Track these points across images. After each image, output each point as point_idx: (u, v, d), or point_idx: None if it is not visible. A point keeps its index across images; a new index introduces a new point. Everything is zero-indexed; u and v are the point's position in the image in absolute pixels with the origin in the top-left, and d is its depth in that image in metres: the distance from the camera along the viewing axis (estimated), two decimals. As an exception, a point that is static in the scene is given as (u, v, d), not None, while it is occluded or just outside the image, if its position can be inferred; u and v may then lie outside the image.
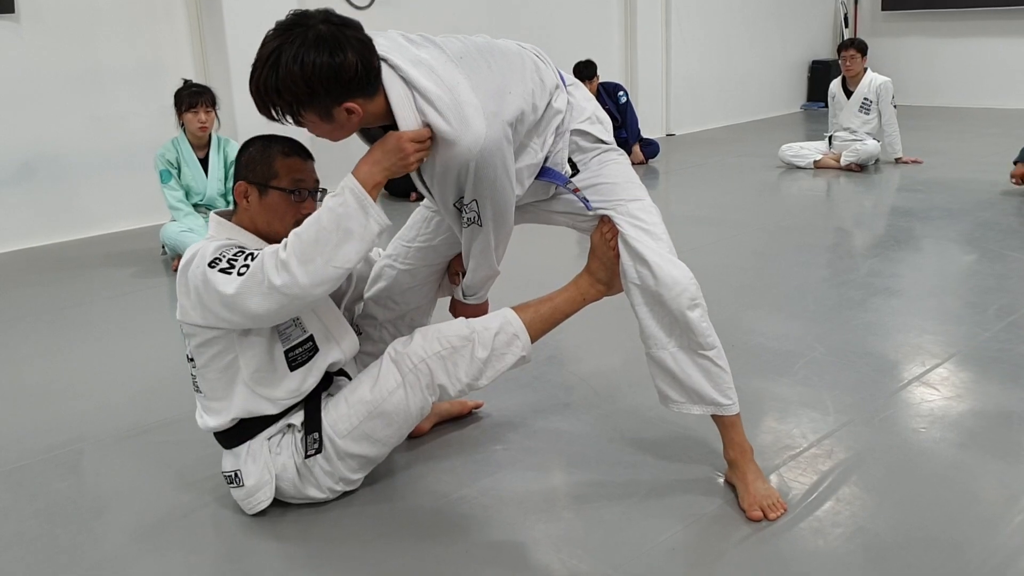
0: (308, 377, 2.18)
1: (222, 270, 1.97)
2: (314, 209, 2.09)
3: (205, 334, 2.06)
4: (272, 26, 1.91)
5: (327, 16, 1.89)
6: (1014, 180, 5.82)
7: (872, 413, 2.72)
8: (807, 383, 2.95)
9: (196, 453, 2.60)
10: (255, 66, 1.89)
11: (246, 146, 2.21)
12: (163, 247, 4.84)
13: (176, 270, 4.59)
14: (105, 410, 2.97)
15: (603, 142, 2.29)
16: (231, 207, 4.65)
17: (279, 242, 2.02)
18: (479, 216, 2.11)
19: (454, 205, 2.12)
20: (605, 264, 2.27)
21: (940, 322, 3.53)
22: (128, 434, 2.77)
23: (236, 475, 2.19)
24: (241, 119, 5.76)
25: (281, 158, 2.15)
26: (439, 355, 2.15)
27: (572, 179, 2.24)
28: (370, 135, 2.12)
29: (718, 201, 6.13)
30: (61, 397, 3.11)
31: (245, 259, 1.98)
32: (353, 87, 1.89)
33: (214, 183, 4.73)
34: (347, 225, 1.94)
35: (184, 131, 4.70)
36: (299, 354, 2.15)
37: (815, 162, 7.05)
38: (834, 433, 2.59)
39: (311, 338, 2.18)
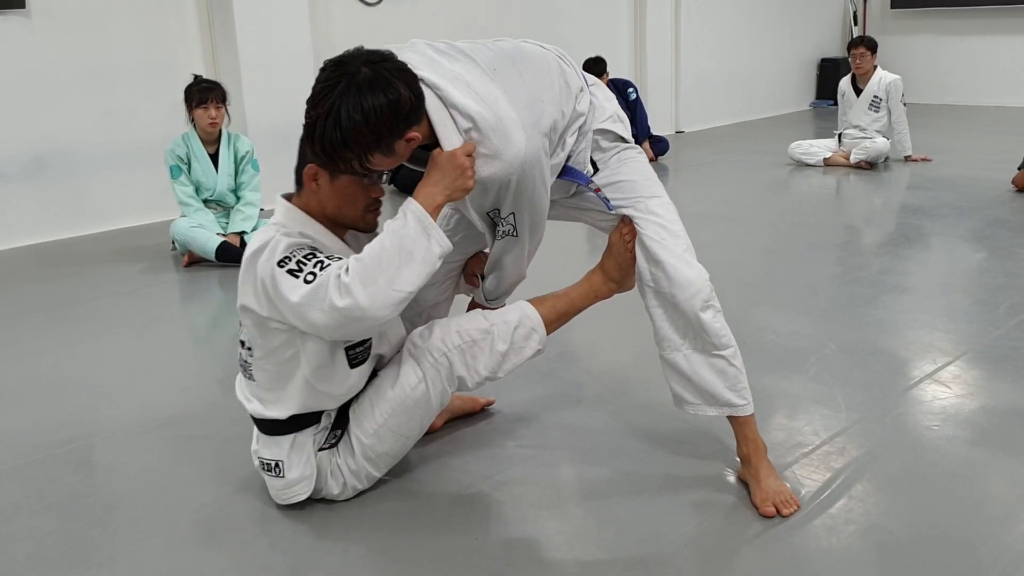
0: (364, 374, 2.18)
1: (290, 271, 1.94)
2: (383, 193, 2.12)
3: (268, 324, 2.05)
4: (314, 85, 1.89)
5: (364, 57, 1.88)
6: (1016, 187, 5.81)
7: (884, 410, 2.71)
8: (819, 380, 2.95)
9: (208, 448, 2.60)
10: (312, 126, 1.87)
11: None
12: (173, 243, 4.84)
13: (187, 265, 4.69)
14: (118, 405, 2.98)
15: (623, 140, 2.29)
16: (237, 203, 4.73)
17: (350, 226, 2.08)
18: (515, 228, 2.12)
19: (488, 215, 2.12)
20: (620, 264, 2.27)
21: (951, 320, 3.51)
22: (141, 429, 2.78)
23: (278, 465, 2.17)
24: (251, 114, 5.77)
25: None
26: (459, 348, 2.14)
27: (593, 178, 2.24)
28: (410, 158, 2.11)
29: (728, 198, 6.12)
30: (73, 392, 3.12)
31: (315, 265, 1.94)
32: (411, 119, 1.89)
33: (224, 178, 4.74)
34: (409, 248, 1.92)
35: (194, 127, 4.71)
36: (359, 352, 2.13)
37: (825, 160, 7.03)
38: (846, 430, 2.59)
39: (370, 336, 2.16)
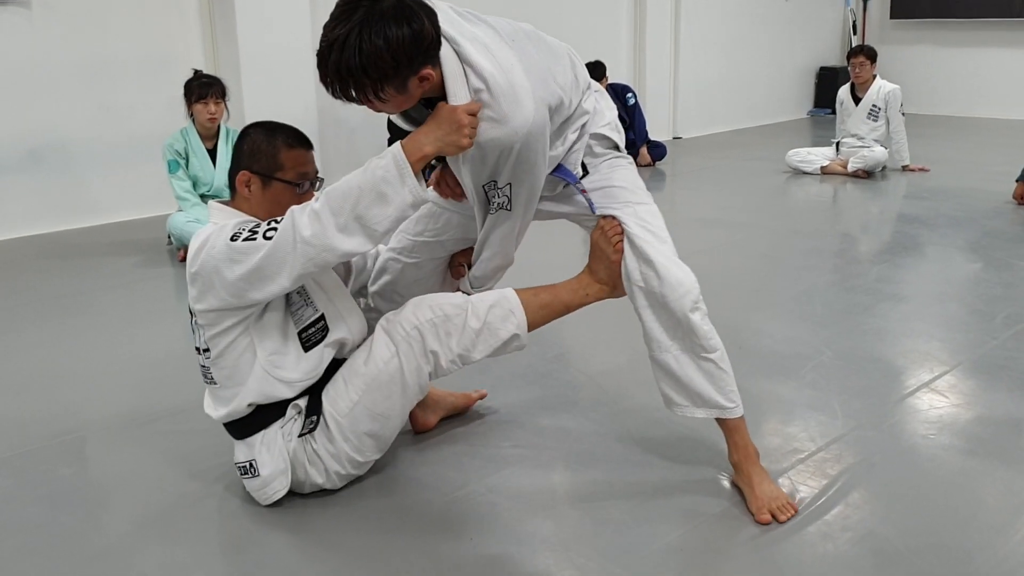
0: (323, 358, 2.18)
1: (246, 239, 1.96)
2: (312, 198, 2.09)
3: (221, 321, 2.06)
4: (333, 10, 1.86)
5: None
6: (1017, 200, 5.82)
7: (880, 418, 2.71)
8: (815, 387, 2.94)
9: (202, 442, 2.59)
10: (329, 49, 1.83)
11: (246, 132, 2.18)
12: (169, 237, 4.82)
13: (183, 260, 4.66)
14: (110, 398, 2.97)
15: (617, 148, 2.29)
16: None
17: None
18: (510, 201, 2.11)
19: (483, 187, 2.11)
20: (605, 263, 2.25)
21: (948, 329, 3.52)
22: (134, 422, 2.76)
23: (251, 465, 2.18)
24: (250, 110, 5.74)
25: (286, 150, 2.14)
26: (431, 322, 2.12)
27: (581, 181, 2.24)
28: (407, 114, 2.12)
29: (725, 204, 6.12)
30: (66, 384, 3.11)
31: (269, 226, 1.97)
32: (430, 54, 1.89)
33: (222, 174, 4.72)
34: (382, 189, 1.92)
35: (193, 121, 4.70)
36: (312, 334, 2.15)
37: (822, 168, 7.04)
38: (843, 437, 2.58)
39: (322, 317, 2.17)
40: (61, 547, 2.11)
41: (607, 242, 2.23)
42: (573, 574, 1.97)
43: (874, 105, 6.89)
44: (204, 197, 4.74)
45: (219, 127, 4.73)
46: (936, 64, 10.99)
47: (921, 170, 7.07)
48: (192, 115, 4.67)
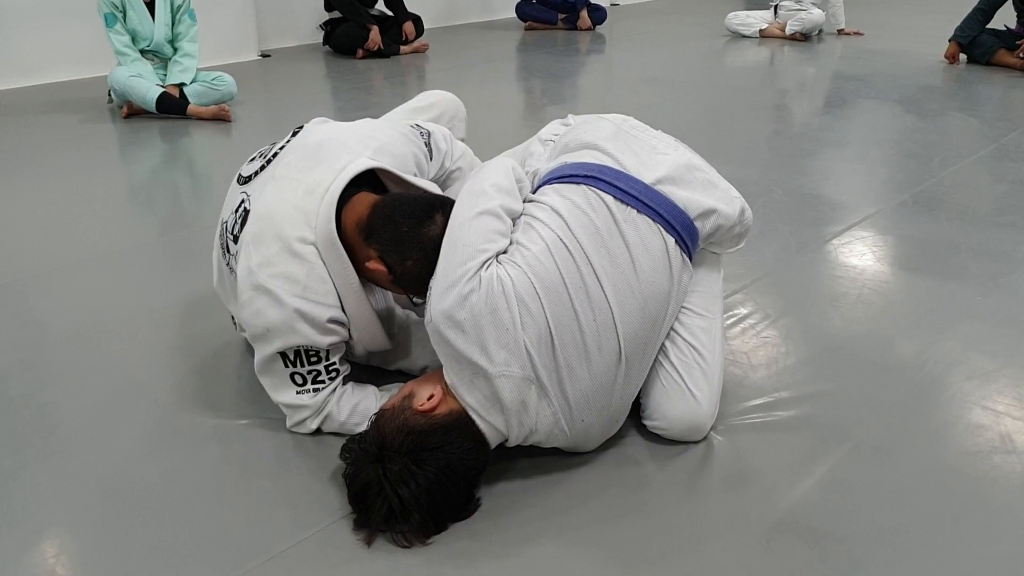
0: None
1: (292, 375, 1.78)
2: None
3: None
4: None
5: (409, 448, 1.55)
6: (948, 59, 5.98)
7: (829, 244, 2.86)
8: (767, 219, 3.07)
9: (148, 278, 2.61)
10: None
11: (398, 208, 1.72)
12: (109, 94, 4.69)
13: (127, 116, 4.56)
14: (54, 245, 2.95)
15: None
16: (175, 55, 4.58)
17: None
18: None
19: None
20: None
21: (889, 169, 3.68)
22: (76, 264, 2.77)
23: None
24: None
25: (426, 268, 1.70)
26: None
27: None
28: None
29: (666, 65, 6.16)
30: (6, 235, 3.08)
31: (313, 379, 1.79)
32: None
33: (161, 28, 4.57)
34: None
35: (128, -27, 4.51)
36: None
37: (761, 31, 7.09)
38: (795, 261, 2.73)
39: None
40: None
41: None
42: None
43: (813, -33, 6.94)
44: (144, 53, 4.60)
45: (156, -22, 4.56)
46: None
47: (856, 34, 7.18)
48: (127, -35, 4.48)
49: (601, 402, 1.66)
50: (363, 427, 1.71)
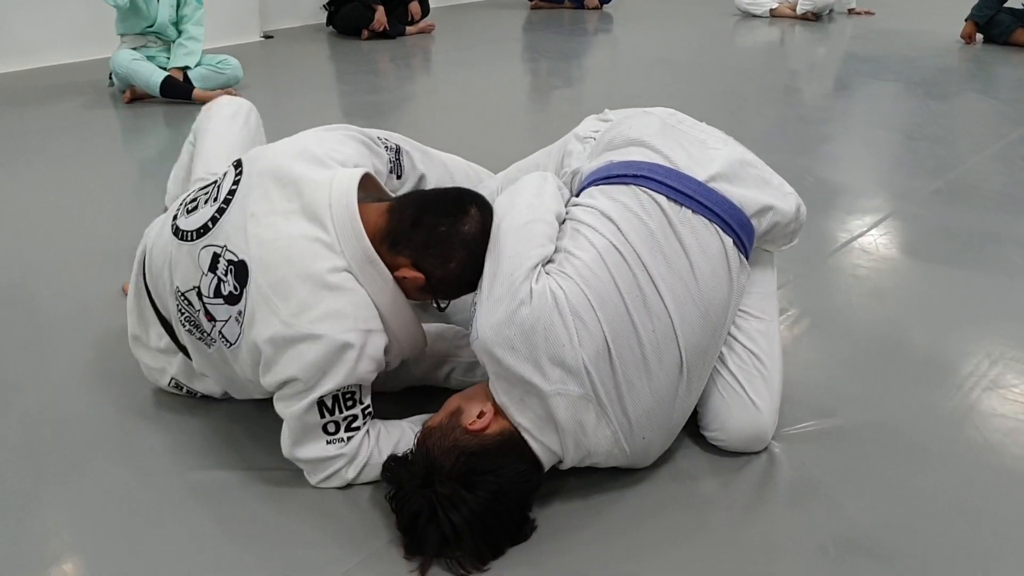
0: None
1: (324, 426, 1.57)
2: None
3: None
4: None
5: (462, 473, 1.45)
6: (965, 39, 5.88)
7: (868, 235, 2.77)
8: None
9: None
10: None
11: (425, 207, 1.59)
12: (110, 77, 4.55)
13: (129, 102, 4.43)
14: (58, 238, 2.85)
15: None
16: (179, 37, 4.43)
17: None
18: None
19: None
20: None
21: (918, 156, 3.60)
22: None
23: None
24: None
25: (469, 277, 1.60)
26: None
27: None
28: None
29: (676, 45, 6.05)
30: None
31: (347, 426, 1.59)
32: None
33: (165, 8, 4.41)
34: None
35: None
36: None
37: (771, 10, 6.98)
38: (835, 251, 2.64)
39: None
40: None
41: None
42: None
43: (824, -55, 6.82)
44: (147, 35, 4.45)
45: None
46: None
47: (867, 13, 7.08)
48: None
49: (662, 417, 1.57)
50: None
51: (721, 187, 1.68)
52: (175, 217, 1.72)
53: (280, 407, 1.59)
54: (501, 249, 1.53)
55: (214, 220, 1.62)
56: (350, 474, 1.62)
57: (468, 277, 1.56)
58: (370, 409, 1.62)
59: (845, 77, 5.12)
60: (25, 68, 5.19)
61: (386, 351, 1.58)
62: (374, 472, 1.63)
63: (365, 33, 6.08)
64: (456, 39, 6.24)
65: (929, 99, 4.49)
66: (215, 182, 1.71)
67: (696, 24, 6.86)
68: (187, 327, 1.67)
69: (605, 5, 7.51)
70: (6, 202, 3.13)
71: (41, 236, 2.80)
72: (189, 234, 1.65)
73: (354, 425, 1.59)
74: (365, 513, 1.58)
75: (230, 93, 4.36)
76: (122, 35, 4.42)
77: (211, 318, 1.60)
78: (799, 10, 6.86)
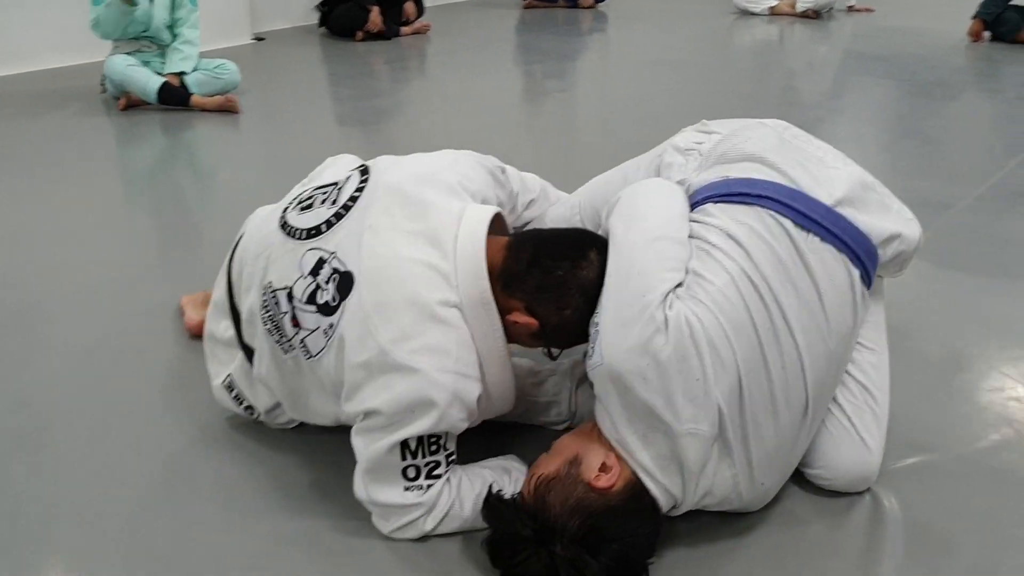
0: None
1: (404, 470, 1.43)
2: None
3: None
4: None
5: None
6: (972, 37, 5.81)
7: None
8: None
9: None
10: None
11: (542, 248, 1.46)
12: (102, 83, 4.36)
13: (124, 109, 4.23)
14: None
15: None
16: (174, 41, 4.25)
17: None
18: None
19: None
20: None
21: (952, 160, 3.50)
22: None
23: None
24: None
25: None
26: None
27: None
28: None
29: (673, 44, 5.93)
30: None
31: (428, 472, 1.44)
32: None
33: (160, 11, 4.23)
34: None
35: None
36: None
37: (771, 8, 6.88)
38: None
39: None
40: None
41: None
42: None
43: (823, -57, 6.73)
44: (140, 39, 4.26)
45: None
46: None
47: (867, 10, 7.01)
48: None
49: (783, 460, 1.44)
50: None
51: (848, 212, 1.53)
52: (285, 210, 1.59)
53: (359, 442, 1.44)
54: (630, 263, 1.38)
55: (329, 224, 1.50)
56: (428, 525, 1.47)
57: (585, 327, 1.42)
58: (454, 456, 1.47)
59: (861, 79, 5.01)
60: (12, 72, 4.98)
61: (477, 401, 1.42)
62: (454, 524, 1.48)
63: (359, 34, 5.91)
64: (451, 40, 6.10)
65: (951, 101, 4.39)
66: (336, 183, 1.58)
67: (693, 23, 6.75)
68: (268, 326, 1.53)
69: (599, 4, 7.38)
70: (3, 216, 2.95)
71: (45, 256, 2.62)
72: (299, 232, 1.53)
73: (435, 472, 1.44)
74: (444, 563, 1.44)
75: (229, 99, 4.19)
76: (115, 40, 4.23)
77: (297, 324, 1.46)
78: (799, 7, 6.77)
